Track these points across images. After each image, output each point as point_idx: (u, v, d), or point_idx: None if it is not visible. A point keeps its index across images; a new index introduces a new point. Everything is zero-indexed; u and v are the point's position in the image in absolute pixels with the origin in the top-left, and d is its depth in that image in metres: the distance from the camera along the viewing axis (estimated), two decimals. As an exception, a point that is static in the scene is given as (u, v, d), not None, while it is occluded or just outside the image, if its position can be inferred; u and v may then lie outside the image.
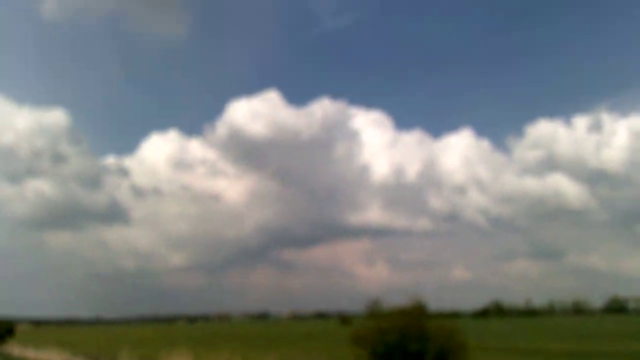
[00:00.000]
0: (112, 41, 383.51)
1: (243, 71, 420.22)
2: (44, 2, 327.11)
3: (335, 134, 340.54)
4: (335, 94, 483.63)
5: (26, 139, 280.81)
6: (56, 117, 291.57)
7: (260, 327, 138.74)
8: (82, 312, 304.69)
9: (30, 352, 46.80)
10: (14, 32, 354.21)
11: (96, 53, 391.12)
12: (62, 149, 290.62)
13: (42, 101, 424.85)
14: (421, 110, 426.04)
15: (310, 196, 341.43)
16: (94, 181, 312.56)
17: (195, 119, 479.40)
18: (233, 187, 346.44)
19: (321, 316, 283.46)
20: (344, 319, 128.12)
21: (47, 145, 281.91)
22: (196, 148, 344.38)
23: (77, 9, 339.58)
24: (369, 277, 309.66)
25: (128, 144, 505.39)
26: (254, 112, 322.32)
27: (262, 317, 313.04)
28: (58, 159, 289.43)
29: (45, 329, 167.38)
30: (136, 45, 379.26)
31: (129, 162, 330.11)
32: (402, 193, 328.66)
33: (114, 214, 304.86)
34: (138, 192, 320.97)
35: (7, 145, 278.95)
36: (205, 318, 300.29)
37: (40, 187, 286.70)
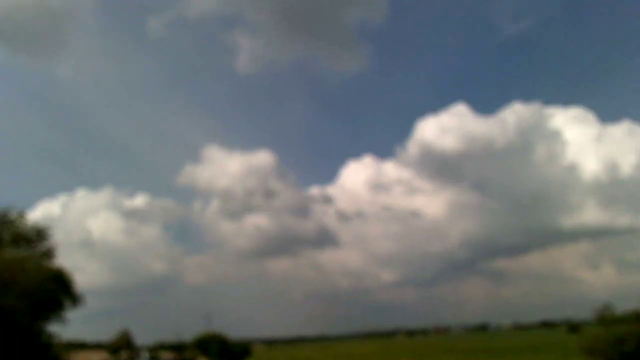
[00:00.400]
0: (303, 82, 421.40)
1: (427, 89, 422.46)
2: (238, 60, 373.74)
3: (533, 136, 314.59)
4: (526, 97, 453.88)
5: (240, 181, 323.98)
6: (263, 157, 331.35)
7: (481, 339, 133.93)
8: (308, 330, 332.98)
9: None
10: (217, 89, 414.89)
11: (291, 95, 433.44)
12: (272, 185, 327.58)
13: (250, 145, 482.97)
14: (627, 100, 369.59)
15: (513, 203, 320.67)
16: (302, 210, 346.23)
17: (387, 142, 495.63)
18: (431, 202, 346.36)
19: (547, 325, 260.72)
20: (572, 327, 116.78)
21: (258, 183, 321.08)
22: (391, 169, 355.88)
23: (267, 61, 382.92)
24: (594, 282, 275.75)
25: (328, 173, 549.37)
26: (444, 127, 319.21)
27: (482, 328, 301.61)
28: (269, 194, 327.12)
29: (277, 348, 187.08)
30: (325, 83, 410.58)
31: (331, 190, 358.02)
32: (619, 189, 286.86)
33: (324, 239, 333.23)
34: (343, 216, 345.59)
35: (225, 188, 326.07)
36: (424, 332, 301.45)
37: (257, 221, 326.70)
